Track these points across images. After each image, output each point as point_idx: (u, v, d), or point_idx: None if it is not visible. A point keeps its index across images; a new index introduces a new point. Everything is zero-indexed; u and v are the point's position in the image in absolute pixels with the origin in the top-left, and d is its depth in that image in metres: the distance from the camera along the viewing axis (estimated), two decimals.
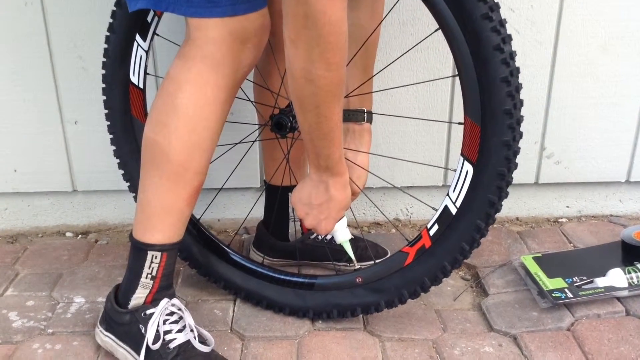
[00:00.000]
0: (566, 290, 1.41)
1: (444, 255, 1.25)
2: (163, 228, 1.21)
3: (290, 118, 1.28)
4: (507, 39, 1.10)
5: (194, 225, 1.45)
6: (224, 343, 1.33)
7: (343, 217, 1.29)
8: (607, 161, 1.76)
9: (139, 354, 1.20)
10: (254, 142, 1.57)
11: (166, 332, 1.21)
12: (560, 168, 1.76)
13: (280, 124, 1.32)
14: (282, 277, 1.41)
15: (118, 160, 1.45)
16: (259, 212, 1.64)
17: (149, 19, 1.28)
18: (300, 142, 1.39)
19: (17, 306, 1.46)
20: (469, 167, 1.19)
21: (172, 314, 1.23)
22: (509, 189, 1.19)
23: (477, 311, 1.44)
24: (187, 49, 1.14)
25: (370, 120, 1.31)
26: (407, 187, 1.78)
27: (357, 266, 1.35)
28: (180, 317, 1.24)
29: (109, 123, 1.42)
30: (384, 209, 1.83)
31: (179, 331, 1.22)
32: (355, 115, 1.29)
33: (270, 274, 1.42)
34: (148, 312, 1.22)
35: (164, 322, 1.22)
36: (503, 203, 1.21)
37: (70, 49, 1.61)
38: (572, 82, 1.67)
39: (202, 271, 1.47)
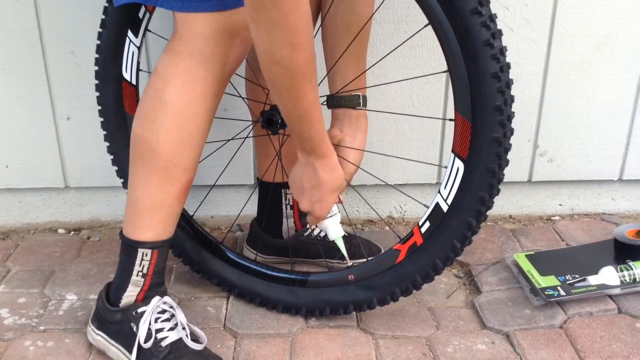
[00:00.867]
0: (559, 288, 1.41)
1: (435, 253, 1.25)
2: (153, 225, 1.20)
3: (281, 114, 1.27)
4: (497, 34, 1.10)
5: (187, 222, 1.45)
6: (216, 340, 1.33)
7: (337, 214, 1.29)
8: (600, 159, 1.76)
9: (130, 352, 1.20)
10: (245, 138, 1.57)
11: (158, 330, 1.20)
12: (553, 166, 1.77)
13: (270, 120, 1.31)
14: (275, 273, 1.41)
15: (112, 157, 1.45)
16: (252, 209, 1.64)
17: (140, 14, 1.28)
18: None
19: (9, 303, 1.45)
20: (460, 164, 1.19)
21: (163, 312, 1.23)
22: (502, 187, 1.19)
23: (470, 309, 1.44)
24: (175, 44, 1.13)
25: (365, 105, 1.31)
26: (401, 184, 1.78)
27: (350, 263, 1.35)
28: (172, 315, 1.23)
29: (102, 119, 1.41)
30: (378, 207, 1.83)
31: (171, 329, 1.21)
32: (351, 100, 1.29)
33: (264, 270, 1.42)
34: (139, 310, 1.22)
35: (156, 320, 1.21)
36: (496, 201, 1.21)
37: (62, 44, 1.60)
38: (565, 80, 1.67)
39: (196, 268, 1.47)
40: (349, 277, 1.33)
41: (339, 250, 1.33)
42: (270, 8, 0.92)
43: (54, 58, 1.61)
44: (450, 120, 1.20)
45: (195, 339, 1.23)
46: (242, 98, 1.48)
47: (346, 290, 1.34)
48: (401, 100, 1.68)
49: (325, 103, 1.31)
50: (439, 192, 1.24)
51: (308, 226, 1.56)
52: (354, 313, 1.39)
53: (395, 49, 1.54)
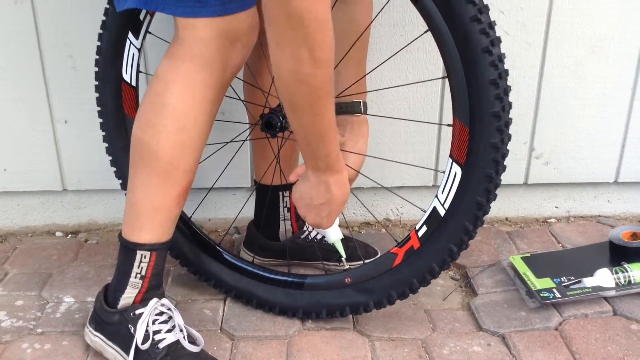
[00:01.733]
0: (554, 290, 1.42)
1: (432, 257, 1.25)
2: (152, 227, 1.21)
3: (280, 117, 1.28)
4: (496, 41, 1.11)
5: (185, 224, 1.45)
6: (213, 343, 1.33)
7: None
8: (595, 162, 1.77)
9: (128, 353, 1.20)
10: (244, 141, 1.57)
11: (155, 332, 1.21)
12: (549, 169, 1.78)
13: (270, 123, 1.32)
14: (272, 276, 1.41)
15: (110, 158, 1.45)
16: (249, 212, 1.64)
17: (141, 17, 1.28)
18: (290, 141, 1.40)
19: (6, 306, 1.46)
20: (457, 169, 1.20)
21: (161, 313, 1.23)
22: (498, 189, 1.20)
23: (466, 311, 1.44)
24: (176, 49, 1.13)
25: (366, 111, 1.32)
26: (398, 187, 1.79)
27: (347, 266, 1.35)
28: (170, 317, 1.24)
29: (101, 120, 1.41)
30: (375, 209, 1.83)
31: (169, 331, 1.22)
32: (353, 107, 1.30)
33: (261, 272, 1.42)
34: (137, 312, 1.22)
35: (154, 322, 1.22)
36: (492, 204, 1.21)
37: (60, 47, 1.60)
38: (561, 83, 1.68)
39: (193, 269, 1.47)
40: (346, 280, 1.34)
41: (335, 252, 1.34)
42: (299, 29, 0.93)
43: (52, 62, 1.62)
44: (448, 125, 1.21)
45: (192, 341, 1.23)
46: (242, 101, 1.48)
47: (343, 293, 1.34)
48: (398, 103, 1.68)
49: None
50: (436, 196, 1.24)
51: (305, 228, 1.56)
52: (351, 315, 1.39)
53: (395, 54, 1.55)
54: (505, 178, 1.22)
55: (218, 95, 1.17)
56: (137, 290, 1.23)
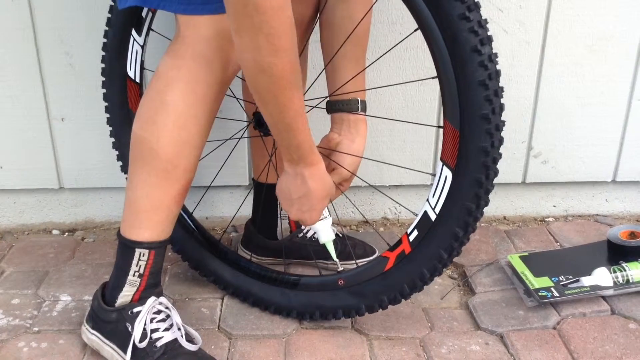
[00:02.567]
0: (552, 289, 1.42)
1: (422, 262, 1.23)
2: (151, 225, 1.20)
3: None
4: (486, 40, 1.07)
5: (188, 218, 1.46)
6: (211, 342, 1.33)
7: (328, 217, 1.28)
8: (593, 161, 1.77)
9: (125, 352, 1.20)
10: (239, 139, 1.57)
11: (153, 331, 1.20)
12: (547, 167, 1.78)
13: (260, 121, 1.31)
14: (268, 274, 1.41)
15: (117, 153, 1.45)
16: (247, 210, 1.64)
17: (143, 14, 1.28)
18: None
19: (3, 304, 1.45)
20: (448, 173, 1.17)
21: (159, 312, 1.23)
22: (496, 188, 1.18)
23: (464, 310, 1.44)
24: (177, 47, 1.13)
25: (364, 110, 1.31)
26: (396, 185, 1.79)
27: (340, 268, 1.34)
28: (168, 316, 1.23)
29: (108, 116, 1.42)
30: (373, 208, 1.83)
31: (166, 329, 1.21)
32: (349, 105, 1.29)
33: (258, 271, 1.42)
34: (135, 310, 1.22)
35: (151, 320, 1.21)
36: (490, 202, 1.19)
37: (57, 45, 1.60)
38: (559, 82, 1.68)
39: (194, 264, 1.48)
40: (339, 282, 1.33)
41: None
42: (254, 15, 0.92)
43: (49, 59, 1.61)
44: (439, 127, 1.19)
45: (190, 339, 1.23)
46: (237, 99, 1.48)
47: (336, 295, 1.33)
48: (396, 102, 1.68)
49: (324, 108, 1.31)
50: (427, 200, 1.22)
51: (302, 228, 1.56)
52: None
53: (389, 51, 1.55)
54: (503, 177, 1.21)
55: (219, 94, 1.17)
56: (135, 289, 1.23)
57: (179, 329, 1.22)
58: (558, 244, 1.69)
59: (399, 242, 1.27)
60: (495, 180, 1.17)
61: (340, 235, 1.56)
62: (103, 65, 1.38)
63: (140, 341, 1.19)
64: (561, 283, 1.44)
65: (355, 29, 1.26)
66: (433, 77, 1.15)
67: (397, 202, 1.80)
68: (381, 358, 1.28)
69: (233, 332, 1.36)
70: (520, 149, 1.74)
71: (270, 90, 1.01)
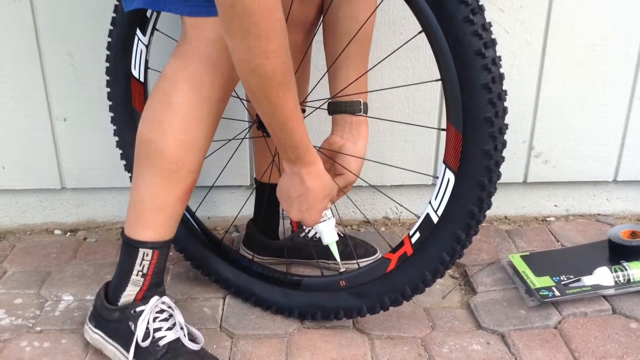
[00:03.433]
0: (553, 288, 1.42)
1: (424, 264, 1.23)
2: (155, 226, 1.21)
3: None
4: (490, 43, 1.06)
5: (191, 218, 1.46)
6: (213, 341, 1.33)
7: (331, 218, 1.29)
8: (594, 160, 1.77)
9: (128, 351, 1.20)
10: (242, 139, 1.57)
11: (156, 330, 1.21)
12: (548, 167, 1.78)
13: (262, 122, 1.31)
14: (270, 274, 1.41)
15: (120, 151, 1.45)
16: (249, 210, 1.64)
17: (148, 14, 1.29)
18: None
19: (5, 304, 1.45)
20: (450, 175, 1.17)
21: (162, 311, 1.23)
22: (497, 187, 1.18)
23: (465, 309, 1.44)
24: (184, 48, 1.14)
25: (366, 112, 1.31)
26: (397, 185, 1.79)
27: (342, 269, 1.34)
28: (170, 315, 1.24)
29: (112, 114, 1.42)
30: (374, 207, 1.83)
31: (169, 329, 1.22)
32: (352, 107, 1.29)
33: (260, 270, 1.42)
34: (138, 309, 1.22)
35: (154, 319, 1.22)
36: (491, 206, 1.19)
37: (59, 46, 1.60)
38: (560, 82, 1.68)
39: (196, 264, 1.48)
40: (341, 283, 1.33)
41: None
42: (242, 17, 0.92)
43: (51, 59, 1.61)
44: (442, 129, 1.19)
45: (192, 339, 1.23)
46: (241, 100, 1.48)
47: (337, 296, 1.33)
48: (397, 102, 1.69)
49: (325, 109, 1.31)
50: (429, 202, 1.22)
51: (304, 227, 1.56)
52: None
53: (393, 52, 1.55)
54: (504, 177, 1.21)
55: (224, 95, 1.17)
56: (138, 288, 1.23)
57: (182, 328, 1.22)
58: (559, 243, 1.69)
59: (401, 244, 1.27)
60: None
61: (342, 235, 1.56)
62: (107, 64, 1.38)
63: (143, 340, 1.19)
64: (562, 282, 1.44)
65: (360, 29, 1.26)
66: (436, 80, 1.15)
67: (398, 203, 1.81)
68: (383, 357, 1.28)
69: (235, 332, 1.36)
70: (522, 149, 1.74)
71: (262, 90, 1.01)
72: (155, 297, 1.23)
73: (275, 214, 1.56)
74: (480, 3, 1.07)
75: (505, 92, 1.11)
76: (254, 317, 1.40)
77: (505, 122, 1.12)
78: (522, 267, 1.51)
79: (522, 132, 1.73)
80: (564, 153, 1.76)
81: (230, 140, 1.54)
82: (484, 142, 1.11)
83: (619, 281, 1.43)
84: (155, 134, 1.16)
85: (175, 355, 1.18)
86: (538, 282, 1.44)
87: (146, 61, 1.34)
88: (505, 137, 1.13)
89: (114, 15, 1.33)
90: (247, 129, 1.53)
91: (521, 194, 1.84)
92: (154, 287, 1.24)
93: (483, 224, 1.77)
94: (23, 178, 1.74)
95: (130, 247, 1.22)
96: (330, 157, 1.31)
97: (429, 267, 1.23)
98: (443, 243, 1.20)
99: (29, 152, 1.70)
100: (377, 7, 1.28)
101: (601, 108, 1.71)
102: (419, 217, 1.24)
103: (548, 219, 1.85)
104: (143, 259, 1.21)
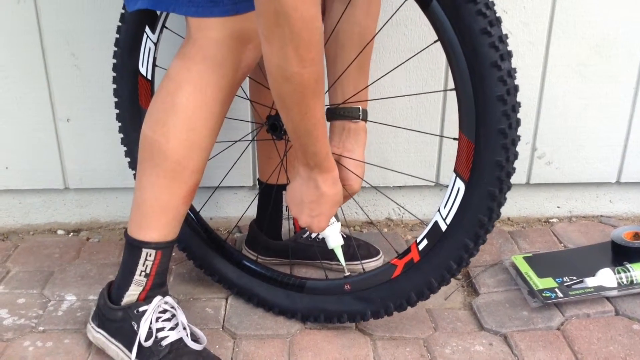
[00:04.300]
0: (556, 289, 1.42)
1: (431, 271, 1.23)
2: (158, 226, 1.21)
3: None
4: (506, 55, 1.06)
5: (195, 217, 1.46)
6: (215, 341, 1.33)
7: (336, 223, 1.28)
8: (597, 162, 1.77)
9: (131, 350, 1.20)
10: (251, 141, 1.57)
11: (159, 330, 1.21)
12: (551, 168, 1.78)
13: (275, 125, 1.32)
14: (274, 276, 1.41)
15: (125, 149, 1.45)
16: (251, 211, 1.64)
17: (158, 12, 1.28)
18: None
19: (8, 304, 1.46)
20: (460, 184, 1.17)
21: (165, 311, 1.24)
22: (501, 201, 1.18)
23: (468, 310, 1.44)
24: (188, 49, 1.14)
25: (365, 118, 1.31)
26: (400, 186, 1.79)
27: (347, 273, 1.34)
28: (173, 315, 1.24)
29: (117, 111, 1.42)
30: (377, 209, 1.83)
31: (172, 329, 1.22)
32: (351, 113, 1.29)
33: (263, 272, 1.42)
34: (141, 309, 1.22)
35: (157, 319, 1.22)
36: (498, 217, 1.18)
37: (62, 46, 1.60)
38: (563, 83, 1.68)
39: (199, 263, 1.48)
40: (345, 287, 1.33)
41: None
42: (284, 25, 0.92)
43: (54, 60, 1.62)
44: (454, 139, 1.19)
45: (195, 339, 1.24)
46: (250, 100, 1.48)
47: (341, 299, 1.33)
48: (400, 104, 1.68)
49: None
50: (438, 211, 1.22)
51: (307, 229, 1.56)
52: None
53: (402, 63, 1.54)
54: None
55: (229, 96, 1.18)
56: (141, 288, 1.23)
57: (184, 328, 1.23)
58: (562, 244, 1.69)
59: (408, 250, 1.27)
60: None
61: (345, 236, 1.56)
62: (114, 61, 1.37)
63: (146, 340, 1.20)
64: (565, 284, 1.44)
65: (361, 35, 1.26)
66: (450, 89, 1.15)
67: (400, 205, 1.81)
68: (385, 358, 1.28)
69: (237, 332, 1.36)
70: (525, 150, 1.74)
71: (294, 98, 1.01)
72: (158, 297, 1.24)
73: (278, 215, 1.56)
74: (497, 15, 1.06)
75: (519, 104, 1.11)
76: (256, 318, 1.40)
77: (518, 133, 1.12)
78: (525, 268, 1.50)
79: (525, 134, 1.72)
80: (567, 154, 1.76)
81: (236, 141, 1.54)
82: (496, 153, 1.11)
83: (622, 282, 1.43)
84: (158, 134, 1.16)
85: (177, 355, 1.19)
86: (541, 283, 1.44)
87: (154, 59, 1.34)
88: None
89: (123, 12, 1.33)
90: (254, 131, 1.52)
91: (524, 195, 1.84)
92: (156, 287, 1.25)
93: None
94: (26, 178, 1.74)
95: (133, 248, 1.23)
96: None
97: (435, 274, 1.23)
98: (451, 251, 1.20)
99: (33, 152, 1.71)
100: (392, 16, 1.27)
101: (604, 109, 1.71)
102: (421, 220, 1.24)
103: (551, 220, 1.85)
104: (146, 259, 1.22)
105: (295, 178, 1.20)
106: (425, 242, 1.24)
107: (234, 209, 1.81)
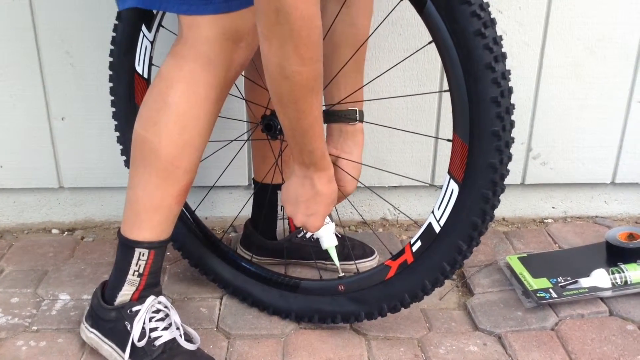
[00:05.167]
0: (551, 290, 1.42)
1: (424, 273, 1.23)
2: (151, 226, 1.21)
3: None
4: (500, 57, 1.06)
5: (190, 216, 1.46)
6: (209, 341, 1.33)
7: (330, 223, 1.29)
8: (592, 162, 1.77)
9: (124, 350, 1.20)
10: (246, 141, 1.57)
11: (152, 330, 1.20)
12: (546, 169, 1.78)
13: (270, 125, 1.31)
14: (268, 276, 1.41)
15: (121, 147, 1.45)
16: (246, 211, 1.64)
17: (154, 10, 1.28)
18: None
19: (2, 303, 1.45)
20: (454, 186, 1.17)
21: (158, 311, 1.23)
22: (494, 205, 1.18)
23: (462, 310, 1.44)
24: (180, 48, 1.13)
25: (362, 120, 1.31)
26: (395, 186, 1.79)
27: (341, 274, 1.34)
28: (167, 315, 1.24)
29: (113, 110, 1.42)
30: (372, 208, 1.83)
31: (165, 329, 1.22)
32: (348, 115, 1.28)
33: (258, 272, 1.42)
34: (134, 309, 1.22)
35: (150, 319, 1.22)
36: (492, 219, 1.19)
37: (57, 44, 1.60)
38: (558, 83, 1.68)
39: (194, 262, 1.48)
40: (339, 287, 1.33)
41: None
42: (284, 24, 0.92)
43: (49, 58, 1.61)
44: (448, 140, 1.19)
45: (188, 339, 1.23)
46: (244, 100, 1.48)
47: (336, 300, 1.33)
48: (396, 103, 1.68)
49: None
50: (432, 212, 1.22)
51: (301, 228, 1.56)
52: None
53: (398, 63, 1.54)
54: None
55: (221, 95, 1.17)
56: (134, 288, 1.23)
57: (178, 328, 1.22)
58: (557, 245, 1.69)
59: (402, 251, 1.27)
60: None
61: (339, 236, 1.56)
62: (111, 59, 1.36)
63: (139, 340, 1.19)
64: (559, 284, 1.44)
65: (356, 35, 1.26)
66: (445, 91, 1.15)
67: (394, 206, 1.81)
68: (379, 358, 1.28)
69: (231, 332, 1.36)
70: (520, 151, 1.74)
71: (292, 96, 1.01)
72: (152, 297, 1.23)
73: (273, 214, 1.56)
74: (492, 17, 1.06)
75: (513, 106, 1.11)
76: (250, 317, 1.40)
77: (512, 135, 1.12)
78: (520, 268, 1.50)
79: (520, 134, 1.73)
80: (562, 155, 1.76)
81: (232, 141, 1.54)
82: (490, 155, 1.11)
83: (616, 283, 1.43)
84: (150, 133, 1.16)
85: (171, 356, 1.18)
86: (535, 283, 1.44)
87: (150, 58, 1.33)
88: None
89: (120, 10, 1.33)
90: (250, 131, 1.52)
91: (519, 196, 1.84)
92: (150, 286, 1.24)
93: None
94: (21, 177, 1.73)
95: (126, 247, 1.22)
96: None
97: (429, 276, 1.23)
98: (444, 253, 1.20)
99: (27, 151, 1.70)
100: (387, 15, 1.27)
101: (599, 110, 1.71)
102: (414, 221, 1.24)
103: (546, 220, 1.85)
104: (139, 259, 1.21)
105: (290, 177, 1.19)
106: (419, 243, 1.24)
107: (229, 209, 1.81)
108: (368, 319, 1.31)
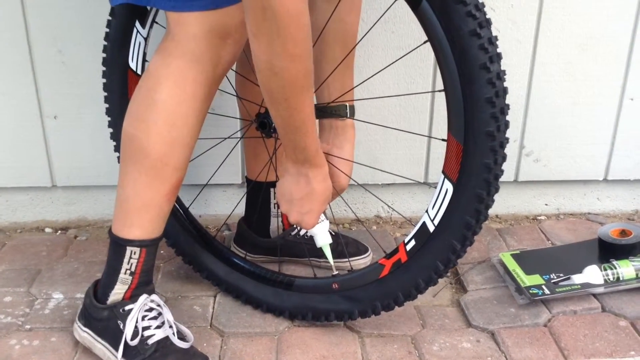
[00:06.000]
0: (543, 286, 1.42)
1: (418, 272, 1.23)
2: (142, 224, 1.20)
3: None
4: (495, 57, 1.06)
5: (183, 213, 1.46)
6: (203, 339, 1.33)
7: (325, 221, 1.29)
8: (585, 160, 1.78)
9: (117, 349, 1.20)
10: (240, 139, 1.56)
11: (145, 328, 1.20)
12: (539, 166, 1.78)
13: (264, 123, 1.31)
14: (262, 273, 1.41)
15: (114, 144, 1.44)
16: (240, 209, 1.64)
17: (148, 7, 1.28)
18: None
19: None
20: (449, 186, 1.17)
21: (151, 309, 1.23)
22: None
23: (455, 307, 1.45)
24: (167, 45, 1.13)
25: (352, 115, 1.31)
26: (389, 184, 1.79)
27: (335, 272, 1.34)
28: (160, 313, 1.24)
29: (107, 106, 1.41)
30: (365, 206, 1.84)
31: (158, 327, 1.21)
32: (338, 111, 1.29)
33: (252, 269, 1.42)
34: (127, 308, 1.22)
35: (143, 318, 1.21)
36: (486, 219, 1.19)
37: (49, 42, 1.59)
38: (551, 81, 1.69)
39: (187, 259, 1.48)
40: (333, 285, 1.33)
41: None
42: (272, 20, 0.92)
43: (41, 56, 1.61)
44: (442, 140, 1.19)
45: (182, 337, 1.23)
46: (238, 97, 1.48)
47: (329, 298, 1.33)
48: (389, 101, 1.68)
49: None
50: (426, 211, 1.22)
51: (295, 225, 1.56)
52: None
53: (392, 64, 1.54)
54: None
55: (209, 92, 1.17)
56: (126, 286, 1.23)
57: (171, 326, 1.22)
58: (550, 242, 1.70)
59: (396, 250, 1.27)
60: None
61: (333, 233, 1.56)
62: (104, 55, 1.36)
63: (132, 339, 1.19)
64: (552, 281, 1.44)
65: (345, 32, 1.26)
66: (439, 91, 1.15)
67: (388, 204, 1.81)
68: (373, 355, 1.29)
69: (225, 330, 1.36)
70: (512, 148, 1.75)
71: (283, 93, 1.01)
72: (144, 296, 1.23)
73: (267, 212, 1.56)
74: (487, 17, 1.06)
75: (508, 106, 1.11)
76: (244, 315, 1.40)
77: (507, 136, 1.12)
78: (513, 265, 1.51)
79: (513, 131, 1.71)
80: (554, 152, 1.76)
81: (225, 139, 1.54)
82: (484, 156, 1.11)
83: (609, 279, 1.44)
84: (139, 131, 1.16)
85: (164, 354, 1.18)
86: (528, 280, 1.45)
87: (144, 54, 1.33)
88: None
89: (113, 6, 1.32)
90: (243, 128, 1.52)
91: (512, 193, 1.84)
92: (142, 285, 1.24)
93: None
94: (13, 176, 1.73)
95: (117, 246, 1.22)
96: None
97: (423, 275, 1.23)
98: (438, 252, 1.20)
99: (20, 150, 1.69)
100: (379, 18, 1.27)
101: (592, 107, 1.72)
102: (408, 219, 1.25)
103: (539, 217, 1.85)
104: (131, 257, 1.21)
105: (284, 175, 1.19)
106: (413, 242, 1.24)
107: (223, 207, 1.81)
108: (362, 317, 1.32)
